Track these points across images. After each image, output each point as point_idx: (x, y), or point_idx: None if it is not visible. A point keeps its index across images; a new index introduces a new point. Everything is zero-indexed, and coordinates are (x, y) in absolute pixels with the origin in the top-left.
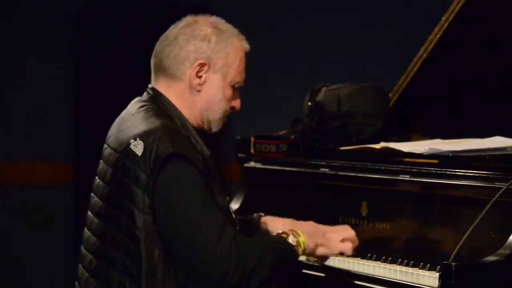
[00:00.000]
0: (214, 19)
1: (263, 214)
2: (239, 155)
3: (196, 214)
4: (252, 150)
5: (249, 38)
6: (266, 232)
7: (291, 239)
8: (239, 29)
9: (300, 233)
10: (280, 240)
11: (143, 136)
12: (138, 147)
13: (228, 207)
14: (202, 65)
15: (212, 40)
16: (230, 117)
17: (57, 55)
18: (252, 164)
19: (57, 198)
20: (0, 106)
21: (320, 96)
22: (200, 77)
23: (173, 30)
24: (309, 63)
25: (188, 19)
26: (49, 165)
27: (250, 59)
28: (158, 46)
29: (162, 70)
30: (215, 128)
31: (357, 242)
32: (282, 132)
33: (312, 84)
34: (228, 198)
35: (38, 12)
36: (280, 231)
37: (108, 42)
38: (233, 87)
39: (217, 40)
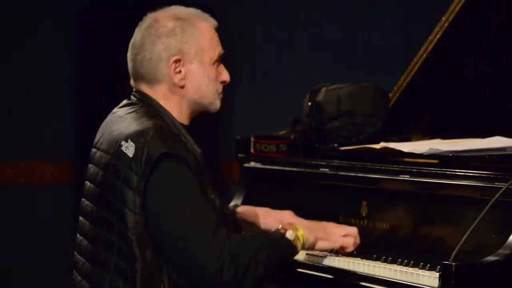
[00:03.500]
0: (173, 10)
1: (239, 204)
2: (239, 155)
3: (188, 214)
4: (252, 150)
5: (249, 38)
6: (264, 230)
7: (289, 234)
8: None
9: (299, 227)
10: (277, 235)
11: (134, 137)
12: (129, 149)
13: (221, 206)
14: (177, 61)
15: (177, 32)
16: (231, 116)
17: (57, 55)
18: (252, 164)
19: (57, 198)
20: (0, 106)
21: (320, 96)
22: (179, 72)
23: (137, 35)
24: (309, 63)
25: (149, 19)
26: (49, 165)
27: (250, 59)
28: (129, 54)
29: (141, 77)
30: (214, 108)
31: (358, 240)
32: (282, 132)
33: (312, 84)
34: (218, 198)
35: (38, 12)
36: (279, 227)
37: (108, 42)
38: (214, 64)
39: (182, 31)
